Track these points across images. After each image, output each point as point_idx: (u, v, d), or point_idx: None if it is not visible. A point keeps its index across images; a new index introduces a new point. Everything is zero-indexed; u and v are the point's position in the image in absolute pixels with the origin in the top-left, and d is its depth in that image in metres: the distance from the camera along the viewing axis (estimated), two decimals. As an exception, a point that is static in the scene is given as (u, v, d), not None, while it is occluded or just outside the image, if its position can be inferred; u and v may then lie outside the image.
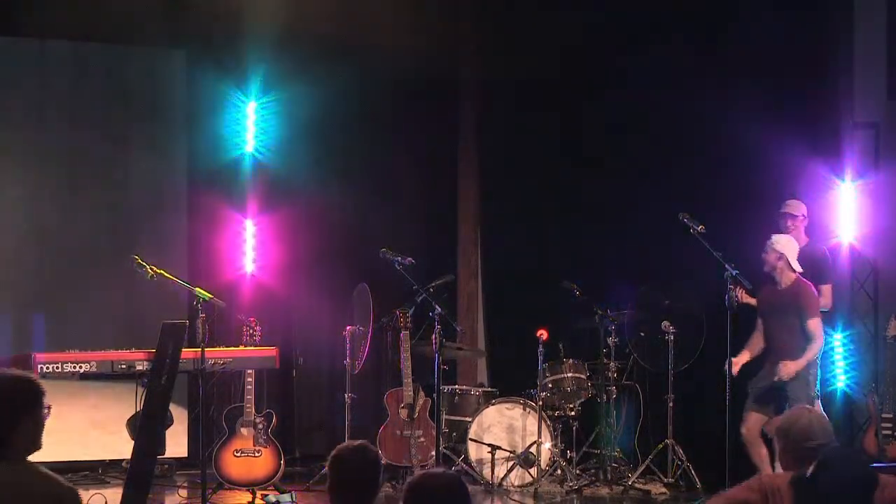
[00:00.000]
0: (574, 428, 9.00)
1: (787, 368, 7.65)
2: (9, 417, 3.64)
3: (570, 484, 8.62)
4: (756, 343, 8.03)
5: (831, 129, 9.12)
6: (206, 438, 8.23)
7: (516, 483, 8.71)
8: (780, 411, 7.71)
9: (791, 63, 9.02)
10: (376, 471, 4.05)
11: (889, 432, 8.44)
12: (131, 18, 9.39)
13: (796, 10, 9.05)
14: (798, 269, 7.84)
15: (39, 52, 9.59)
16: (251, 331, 8.24)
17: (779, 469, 4.41)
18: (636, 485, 8.64)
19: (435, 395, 8.11)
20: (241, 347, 8.03)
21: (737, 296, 7.85)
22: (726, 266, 7.70)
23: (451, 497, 3.64)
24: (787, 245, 7.87)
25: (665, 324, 8.79)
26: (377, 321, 8.90)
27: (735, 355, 7.78)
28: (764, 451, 7.73)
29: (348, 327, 8.96)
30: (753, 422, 7.80)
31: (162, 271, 7.57)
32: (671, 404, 8.67)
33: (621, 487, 8.66)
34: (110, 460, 9.15)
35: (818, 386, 7.83)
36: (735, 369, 7.77)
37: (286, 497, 8.14)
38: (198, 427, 9.06)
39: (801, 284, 7.83)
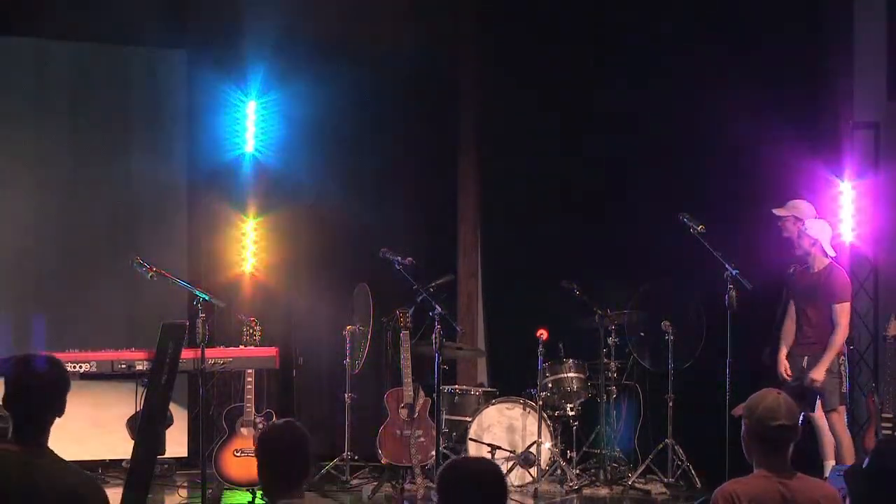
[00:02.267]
0: (574, 428, 9.00)
1: (818, 373, 7.70)
2: (60, 402, 3.64)
3: (570, 484, 8.62)
4: (789, 331, 8.07)
5: (831, 129, 9.12)
6: (206, 438, 8.22)
7: (516, 483, 8.71)
8: (813, 406, 7.81)
9: (791, 63, 9.02)
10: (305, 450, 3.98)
11: (889, 432, 8.43)
12: (131, 18, 9.39)
13: (796, 10, 9.06)
14: (832, 253, 7.90)
15: (39, 52, 9.59)
16: (251, 331, 8.24)
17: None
18: (636, 485, 8.64)
19: (435, 395, 8.11)
20: (241, 347, 8.03)
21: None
22: (726, 266, 7.71)
23: (488, 482, 3.61)
24: (821, 230, 7.89)
25: (665, 324, 8.79)
26: (377, 321, 8.90)
27: (731, 355, 7.80)
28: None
29: (348, 327, 8.96)
30: None
31: (162, 271, 7.57)
32: (671, 404, 8.68)
33: (621, 487, 8.66)
34: (110, 460, 9.15)
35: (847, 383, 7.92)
36: (784, 368, 8.00)
37: (286, 497, 8.15)
38: (198, 427, 9.05)
39: (833, 268, 7.90)
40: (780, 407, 4.10)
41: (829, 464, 7.87)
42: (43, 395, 3.66)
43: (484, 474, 3.63)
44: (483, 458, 3.87)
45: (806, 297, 8.00)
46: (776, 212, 8.09)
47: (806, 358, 7.94)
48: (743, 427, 4.20)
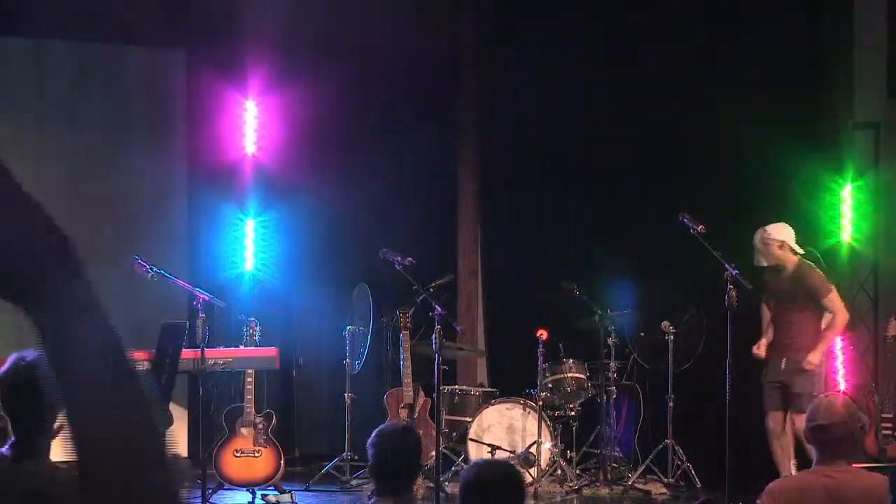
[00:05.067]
0: (574, 428, 8.99)
1: (815, 356, 7.71)
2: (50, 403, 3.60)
3: (570, 484, 8.61)
4: (770, 331, 8.09)
5: (831, 129, 9.13)
6: (206, 438, 8.22)
7: (516, 483, 8.69)
8: (786, 406, 7.83)
9: (791, 63, 9.03)
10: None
11: (889, 432, 8.44)
12: (131, 18, 9.39)
13: (796, 10, 9.07)
14: (800, 251, 7.91)
15: (39, 52, 9.59)
16: (251, 331, 8.24)
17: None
18: (636, 485, 8.64)
19: (435, 395, 8.10)
20: (241, 347, 8.02)
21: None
22: (726, 266, 7.71)
23: (510, 487, 3.66)
24: (784, 231, 7.92)
25: (665, 324, 8.79)
26: (377, 321, 8.90)
27: (731, 355, 7.80)
28: (786, 440, 7.83)
29: (348, 327, 8.96)
30: (774, 417, 7.91)
31: (162, 271, 7.58)
32: (671, 404, 8.68)
33: (621, 487, 8.65)
34: (110, 460, 9.14)
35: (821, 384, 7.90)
36: (762, 350, 7.99)
37: (286, 497, 8.15)
38: (198, 427, 9.05)
39: (804, 266, 7.88)
40: (820, 407, 4.18)
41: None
42: (24, 395, 3.59)
43: (508, 482, 3.66)
44: (506, 463, 3.91)
45: (785, 299, 7.99)
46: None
47: (784, 360, 7.94)
48: None
